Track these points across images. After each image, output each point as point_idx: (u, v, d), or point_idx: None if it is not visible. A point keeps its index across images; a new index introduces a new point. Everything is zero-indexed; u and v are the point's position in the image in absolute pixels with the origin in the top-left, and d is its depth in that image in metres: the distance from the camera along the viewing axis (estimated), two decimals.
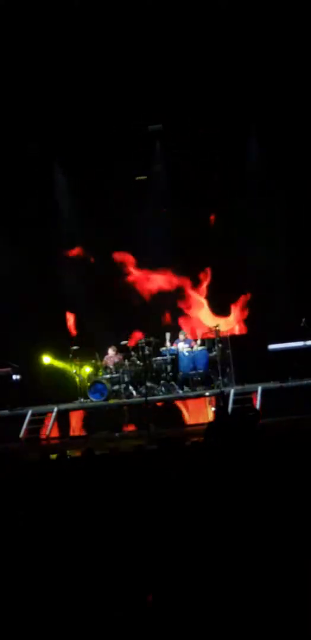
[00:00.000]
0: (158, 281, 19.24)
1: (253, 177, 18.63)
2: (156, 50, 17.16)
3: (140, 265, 19.42)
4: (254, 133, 18.63)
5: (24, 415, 17.83)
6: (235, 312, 18.90)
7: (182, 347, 18.29)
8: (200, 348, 18.18)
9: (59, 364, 18.79)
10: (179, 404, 17.69)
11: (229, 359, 18.11)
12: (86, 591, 5.09)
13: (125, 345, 18.60)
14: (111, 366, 18.45)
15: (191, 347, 18.19)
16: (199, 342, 18.29)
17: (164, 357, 18.28)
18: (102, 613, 4.87)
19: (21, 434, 17.49)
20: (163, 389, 18.06)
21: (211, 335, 18.20)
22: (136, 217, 19.29)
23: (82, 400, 18.32)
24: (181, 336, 18.50)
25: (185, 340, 18.39)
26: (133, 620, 4.74)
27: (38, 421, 17.88)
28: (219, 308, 18.99)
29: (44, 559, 5.53)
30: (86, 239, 19.66)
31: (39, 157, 19.37)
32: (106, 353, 18.76)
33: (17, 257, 19.53)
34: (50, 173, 19.83)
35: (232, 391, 16.96)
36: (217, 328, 18.15)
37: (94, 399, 18.11)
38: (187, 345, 18.24)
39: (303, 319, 17.10)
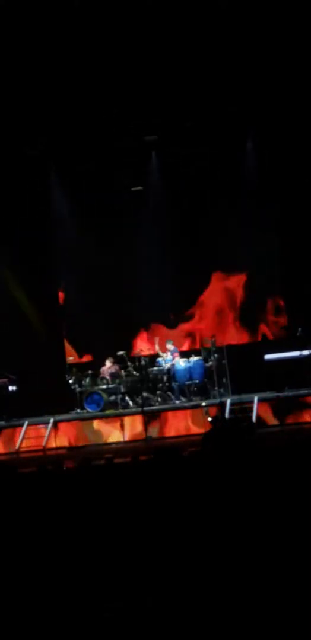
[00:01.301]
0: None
1: (249, 184, 18.65)
2: (153, 58, 17.15)
3: (139, 271, 19.43)
4: (252, 140, 18.65)
5: (21, 426, 17.82)
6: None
7: (178, 357, 18.33)
8: (196, 358, 18.18)
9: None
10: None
11: (226, 369, 18.12)
12: (84, 597, 5.10)
13: (122, 355, 18.62)
14: (108, 377, 18.45)
15: (174, 357, 18.26)
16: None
17: (161, 368, 18.30)
18: (101, 617, 4.88)
19: (17, 445, 17.48)
20: (159, 399, 18.07)
21: (208, 345, 18.24)
22: (133, 227, 19.33)
23: (78, 410, 18.31)
24: (169, 345, 18.58)
25: (172, 351, 18.47)
26: (130, 624, 4.75)
27: (34, 432, 17.84)
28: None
29: (42, 568, 5.53)
30: (84, 249, 19.68)
31: (35, 166, 19.37)
32: (103, 364, 18.78)
33: (14, 266, 19.61)
34: (47, 182, 19.82)
35: (228, 401, 16.96)
36: (213, 338, 18.19)
37: (90, 410, 18.10)
38: (171, 356, 18.33)
39: (299, 329, 17.11)
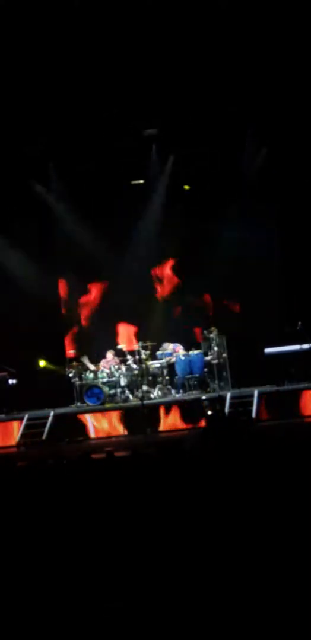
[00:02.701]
0: None
1: (250, 179, 18.62)
2: (154, 52, 17.12)
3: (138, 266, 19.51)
4: (253, 135, 18.60)
5: (21, 420, 17.82)
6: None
7: (180, 351, 18.36)
8: (196, 352, 18.20)
9: (52, 366, 18.86)
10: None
11: (226, 362, 18.13)
12: (83, 592, 5.10)
13: (122, 349, 18.65)
14: (108, 370, 18.46)
15: (175, 351, 18.31)
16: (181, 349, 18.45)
17: (161, 361, 18.31)
18: (101, 613, 4.89)
19: (17, 439, 17.49)
20: (159, 392, 18.08)
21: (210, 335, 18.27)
22: (132, 221, 19.33)
23: (78, 404, 18.32)
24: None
25: (173, 345, 18.55)
26: (130, 621, 4.75)
27: (34, 425, 17.84)
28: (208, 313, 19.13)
29: (40, 564, 5.53)
30: (83, 244, 19.69)
31: (34, 161, 19.33)
32: (103, 357, 18.79)
33: (14, 260, 19.62)
34: (46, 177, 19.79)
35: (228, 395, 16.96)
36: (213, 330, 18.20)
37: (90, 403, 18.10)
38: (172, 349, 18.38)
39: (299, 323, 17.10)
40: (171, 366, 18.31)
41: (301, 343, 17.08)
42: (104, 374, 18.40)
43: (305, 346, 17.03)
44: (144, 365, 18.16)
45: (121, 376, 18.30)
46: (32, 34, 16.77)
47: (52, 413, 17.72)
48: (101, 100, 18.15)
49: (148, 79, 17.43)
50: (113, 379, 18.30)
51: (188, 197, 18.92)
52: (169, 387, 18.17)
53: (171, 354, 18.38)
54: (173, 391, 18.11)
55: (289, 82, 17.31)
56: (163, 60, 17.11)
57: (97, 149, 19.01)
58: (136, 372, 18.26)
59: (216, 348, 18.01)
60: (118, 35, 16.84)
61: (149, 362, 18.31)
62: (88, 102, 18.13)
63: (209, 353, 18.12)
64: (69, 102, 18.09)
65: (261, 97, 17.67)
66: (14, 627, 4.96)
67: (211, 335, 18.14)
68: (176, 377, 18.18)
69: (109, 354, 18.71)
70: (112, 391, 18.24)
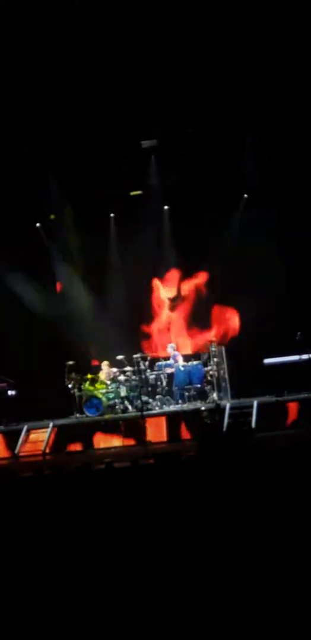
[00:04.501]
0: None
1: (249, 188, 18.63)
2: (153, 58, 17.13)
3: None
4: (251, 144, 18.60)
5: (20, 431, 17.80)
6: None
7: (180, 361, 18.36)
8: (196, 362, 18.20)
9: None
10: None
11: (225, 373, 18.12)
12: (83, 602, 5.10)
13: (121, 360, 18.63)
14: (107, 381, 18.45)
15: (175, 361, 18.30)
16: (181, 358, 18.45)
17: (160, 372, 18.31)
18: (101, 620, 4.89)
19: (17, 450, 17.47)
20: (158, 403, 18.07)
21: (206, 350, 18.24)
22: (131, 231, 19.36)
23: (78, 415, 18.30)
24: (170, 349, 18.65)
25: (173, 355, 18.50)
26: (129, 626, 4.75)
27: (34, 436, 17.83)
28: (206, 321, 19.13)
29: (42, 574, 5.53)
30: (83, 254, 19.75)
31: (34, 171, 19.35)
32: (102, 368, 18.78)
33: (14, 272, 19.64)
34: (46, 186, 19.81)
35: (228, 405, 16.94)
36: (213, 342, 18.20)
37: (89, 414, 18.10)
38: (173, 360, 18.37)
39: (298, 333, 17.09)
40: (170, 377, 18.29)
41: (300, 353, 17.05)
42: (103, 385, 18.39)
43: (304, 357, 17.01)
44: (143, 376, 18.16)
45: (121, 387, 18.29)
46: (33, 34, 16.75)
47: (51, 424, 17.71)
48: (100, 104, 18.15)
49: (148, 82, 17.43)
50: (112, 389, 18.29)
51: (186, 204, 18.90)
52: (168, 397, 18.15)
53: (171, 365, 18.36)
54: (172, 402, 18.09)
55: (289, 83, 17.33)
56: (162, 61, 17.12)
57: (96, 157, 19.02)
58: (135, 382, 18.24)
59: (215, 359, 18.00)
60: (118, 36, 16.85)
61: (149, 373, 18.31)
62: (88, 106, 18.14)
63: (208, 364, 18.11)
64: (69, 107, 18.11)
65: (261, 98, 17.68)
66: (17, 632, 4.96)
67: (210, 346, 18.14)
68: (175, 387, 18.16)
69: (106, 365, 18.70)
70: (111, 402, 18.23)
